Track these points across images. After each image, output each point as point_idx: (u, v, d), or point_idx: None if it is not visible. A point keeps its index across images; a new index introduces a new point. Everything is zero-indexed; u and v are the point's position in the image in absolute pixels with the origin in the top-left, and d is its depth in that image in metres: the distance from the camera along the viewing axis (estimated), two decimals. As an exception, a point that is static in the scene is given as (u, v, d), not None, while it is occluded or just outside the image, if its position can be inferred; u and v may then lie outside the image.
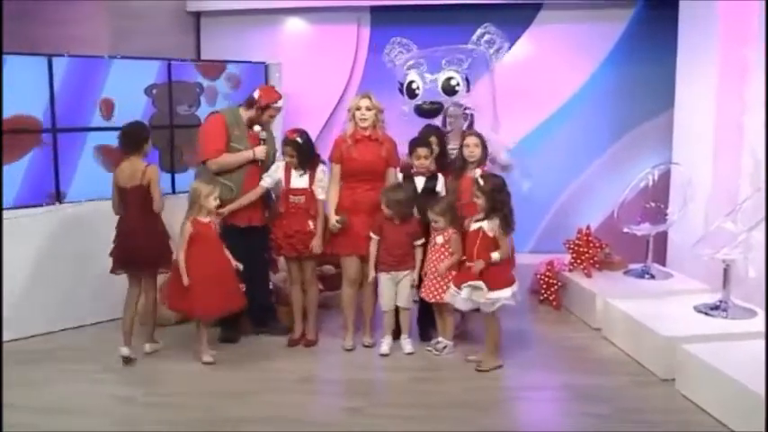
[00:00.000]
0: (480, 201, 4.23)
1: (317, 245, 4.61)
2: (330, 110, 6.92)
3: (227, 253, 4.53)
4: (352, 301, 4.81)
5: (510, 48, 5.59)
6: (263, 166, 4.81)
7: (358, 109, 4.64)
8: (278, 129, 5.97)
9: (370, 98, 4.66)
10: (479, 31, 5.33)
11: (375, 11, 6.86)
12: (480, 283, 4.19)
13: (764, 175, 4.88)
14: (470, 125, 5.14)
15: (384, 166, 4.70)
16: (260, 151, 4.79)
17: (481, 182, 4.24)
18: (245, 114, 4.84)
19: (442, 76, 5.17)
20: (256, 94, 4.81)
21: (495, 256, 4.17)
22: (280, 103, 4.87)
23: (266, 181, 4.72)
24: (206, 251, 4.44)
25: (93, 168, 5.30)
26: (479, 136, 4.67)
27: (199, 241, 4.43)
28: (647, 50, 6.54)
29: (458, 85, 5.18)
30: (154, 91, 5.59)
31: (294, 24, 7.01)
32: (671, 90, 6.13)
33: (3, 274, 4.77)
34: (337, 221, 4.61)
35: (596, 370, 4.41)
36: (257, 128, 4.81)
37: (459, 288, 4.29)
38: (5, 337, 4.82)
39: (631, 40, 6.63)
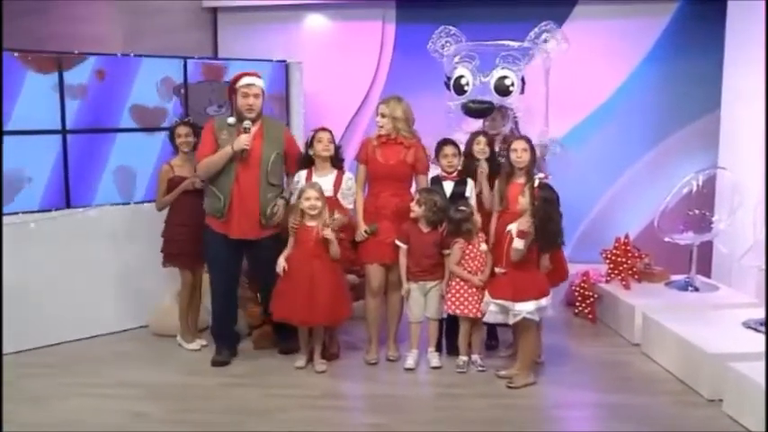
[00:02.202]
0: (523, 200, 4.21)
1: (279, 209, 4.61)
2: (353, 111, 6.93)
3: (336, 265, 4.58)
4: (377, 313, 4.81)
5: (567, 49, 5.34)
6: (246, 157, 4.52)
7: (378, 114, 4.67)
8: (299, 129, 6.02)
9: (387, 105, 4.67)
10: (537, 29, 5.20)
11: (401, 6, 6.87)
12: (510, 304, 4.19)
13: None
14: (515, 129, 5.08)
15: (409, 172, 4.71)
16: (239, 141, 4.48)
17: (536, 183, 4.24)
18: (233, 114, 4.68)
19: (495, 75, 5.00)
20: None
21: (517, 244, 4.13)
22: (246, 81, 4.56)
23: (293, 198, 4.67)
24: (298, 257, 4.51)
25: (121, 172, 5.39)
26: (528, 140, 4.60)
27: (297, 245, 4.52)
28: (692, 47, 6.46)
29: (512, 85, 4.98)
30: (182, 90, 5.65)
31: (316, 21, 7.04)
32: (717, 90, 6.07)
33: (3, 281, 4.79)
34: (366, 231, 4.63)
35: (635, 388, 4.36)
36: (246, 123, 4.52)
37: (490, 298, 4.30)
38: (12, 349, 4.87)
39: (674, 37, 6.55)
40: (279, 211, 4.63)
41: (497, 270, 4.33)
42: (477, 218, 4.57)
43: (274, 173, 4.64)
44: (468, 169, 4.77)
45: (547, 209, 4.18)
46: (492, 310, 4.29)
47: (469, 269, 4.54)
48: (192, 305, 5.06)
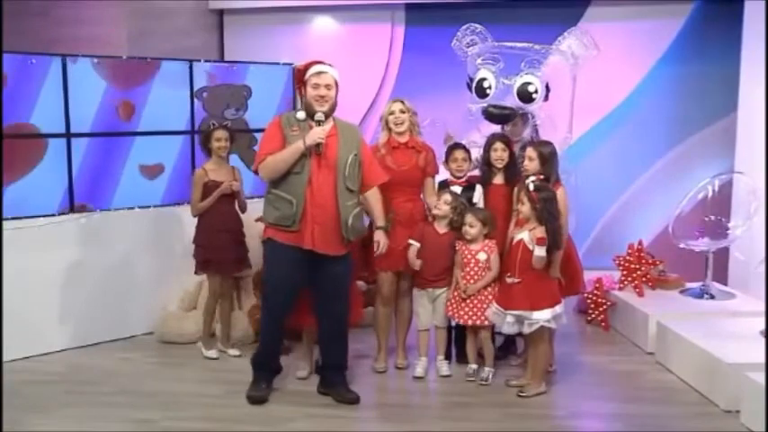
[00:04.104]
0: (525, 208, 4.21)
1: None
2: (362, 114, 6.94)
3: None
4: (387, 321, 4.81)
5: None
6: (321, 156, 4.05)
7: (391, 113, 4.66)
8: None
9: (402, 102, 4.68)
10: (565, 34, 5.06)
11: (410, 8, 6.89)
12: (528, 314, 4.18)
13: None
14: (535, 136, 5.00)
15: (421, 176, 4.71)
16: (312, 134, 4.00)
17: (531, 187, 4.21)
18: (302, 108, 4.25)
19: (519, 80, 4.87)
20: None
21: (539, 252, 4.11)
22: (316, 69, 4.15)
23: None
24: None
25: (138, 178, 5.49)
26: (536, 148, 4.46)
27: None
28: (708, 49, 6.45)
29: (536, 92, 4.86)
30: (204, 94, 5.71)
31: (323, 23, 7.06)
32: (734, 92, 6.07)
33: (2, 285, 4.81)
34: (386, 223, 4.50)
35: (649, 398, 4.36)
36: (318, 115, 4.05)
37: (504, 310, 4.27)
38: (15, 356, 4.90)
39: (690, 38, 6.55)
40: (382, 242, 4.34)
41: (508, 279, 4.31)
42: (479, 227, 4.50)
43: (352, 177, 4.13)
44: (485, 176, 4.75)
45: (549, 208, 4.17)
46: (508, 321, 4.27)
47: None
48: (222, 313, 5.05)
